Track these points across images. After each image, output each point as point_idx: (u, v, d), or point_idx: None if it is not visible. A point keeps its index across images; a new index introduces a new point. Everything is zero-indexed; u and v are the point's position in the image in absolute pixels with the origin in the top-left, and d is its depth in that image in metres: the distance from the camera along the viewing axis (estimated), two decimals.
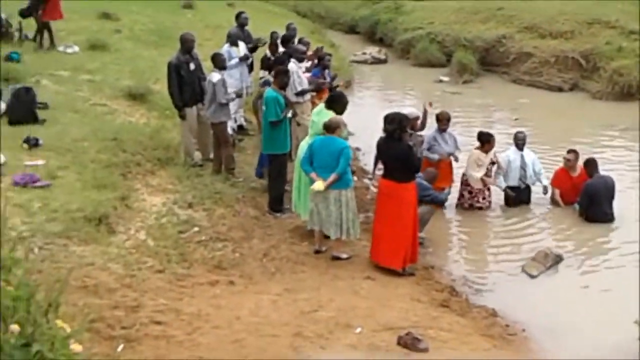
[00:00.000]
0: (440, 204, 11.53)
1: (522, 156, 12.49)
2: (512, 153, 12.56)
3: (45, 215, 8.91)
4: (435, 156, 12.07)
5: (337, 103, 10.61)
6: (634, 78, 20.00)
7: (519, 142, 12.59)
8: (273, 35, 15.93)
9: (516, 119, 18.01)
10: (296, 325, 7.54)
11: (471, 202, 12.29)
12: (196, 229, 10.04)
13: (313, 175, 9.75)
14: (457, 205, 12.39)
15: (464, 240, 11.56)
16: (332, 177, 9.57)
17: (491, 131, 12.99)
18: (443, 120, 12.29)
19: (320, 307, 8.11)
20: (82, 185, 10.01)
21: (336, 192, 9.72)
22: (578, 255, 10.72)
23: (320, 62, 14.95)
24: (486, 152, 12.19)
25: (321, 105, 11.00)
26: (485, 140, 12.24)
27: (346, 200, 9.79)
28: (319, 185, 9.62)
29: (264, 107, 11.29)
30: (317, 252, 10.04)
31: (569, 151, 12.66)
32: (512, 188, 12.38)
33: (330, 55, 15.92)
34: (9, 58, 15.60)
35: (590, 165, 12.18)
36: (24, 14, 17.80)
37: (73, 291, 7.34)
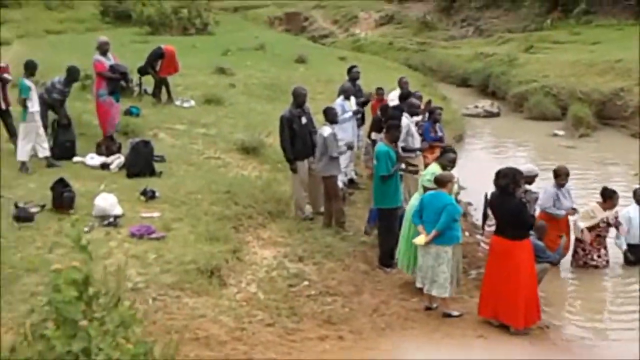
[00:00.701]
0: (555, 263, 11.22)
1: None
2: (632, 210, 12.07)
3: (160, 266, 9.11)
4: (562, 212, 11.75)
5: (446, 158, 10.59)
6: None
7: None
8: (379, 92, 15.95)
9: (635, 174, 17.39)
10: None
11: (585, 259, 11.86)
12: (306, 282, 10.06)
13: (420, 227, 9.76)
14: (571, 263, 11.99)
15: (580, 299, 11.12)
16: (433, 233, 9.55)
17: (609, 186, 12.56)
18: (562, 175, 11.96)
19: None
20: (195, 238, 10.21)
21: (438, 247, 9.64)
22: None
23: (431, 115, 14.87)
24: (605, 208, 11.79)
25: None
26: (608, 197, 11.85)
27: (447, 257, 9.67)
28: (420, 239, 9.66)
29: (375, 162, 11.31)
30: (428, 308, 9.89)
31: None
32: (633, 246, 11.88)
33: (441, 108, 15.80)
34: (129, 112, 16.20)
35: None
36: (141, 71, 18.47)
37: (185, 343, 7.44)
